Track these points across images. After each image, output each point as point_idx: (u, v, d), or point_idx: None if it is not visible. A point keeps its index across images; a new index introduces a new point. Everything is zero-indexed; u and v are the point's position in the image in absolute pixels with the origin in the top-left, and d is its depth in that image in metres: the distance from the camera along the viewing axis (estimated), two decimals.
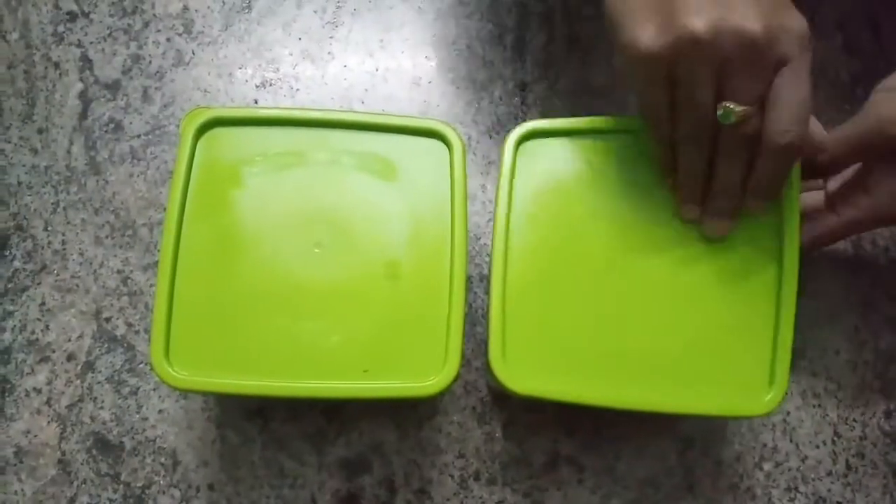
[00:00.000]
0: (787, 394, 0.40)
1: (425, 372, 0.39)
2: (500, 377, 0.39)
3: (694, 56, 0.35)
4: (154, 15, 0.55)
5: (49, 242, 0.50)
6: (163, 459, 0.47)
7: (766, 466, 0.48)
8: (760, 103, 0.36)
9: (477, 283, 0.49)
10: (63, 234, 0.50)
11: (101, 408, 0.48)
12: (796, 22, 0.35)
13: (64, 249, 0.50)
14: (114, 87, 0.53)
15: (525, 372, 0.40)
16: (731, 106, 0.35)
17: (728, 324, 0.41)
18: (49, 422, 0.47)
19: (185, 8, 0.55)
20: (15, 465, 0.47)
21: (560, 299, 0.41)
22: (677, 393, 0.40)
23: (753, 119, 0.36)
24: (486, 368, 0.49)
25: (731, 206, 0.40)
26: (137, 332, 0.49)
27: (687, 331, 0.40)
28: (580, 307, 0.41)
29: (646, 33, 0.35)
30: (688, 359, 0.40)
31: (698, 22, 0.34)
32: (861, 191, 0.42)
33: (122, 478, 0.47)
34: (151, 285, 0.49)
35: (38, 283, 0.50)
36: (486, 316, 0.49)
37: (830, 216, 0.43)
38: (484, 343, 0.49)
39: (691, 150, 0.39)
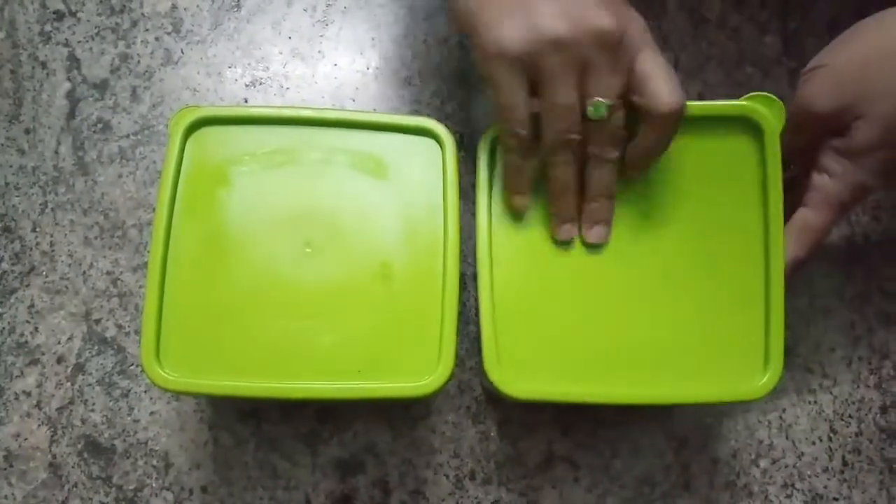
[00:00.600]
0: (782, 376, 0.39)
1: (419, 372, 0.39)
2: (498, 384, 0.39)
3: (557, 57, 0.36)
4: (142, 14, 0.55)
5: (37, 244, 0.50)
6: (155, 462, 0.46)
7: (763, 463, 0.48)
8: (622, 99, 0.38)
9: (470, 282, 0.49)
10: (51, 236, 0.50)
11: (92, 410, 0.47)
12: (637, 16, 0.38)
13: (52, 251, 0.50)
14: (102, 87, 0.53)
15: (521, 376, 0.39)
16: (602, 100, 0.37)
17: (718, 310, 0.41)
18: (39, 425, 0.47)
19: (174, 6, 0.55)
20: (5, 469, 0.46)
21: (549, 298, 0.41)
22: (673, 383, 0.40)
23: (620, 112, 0.38)
24: (481, 370, 0.48)
25: (610, 209, 0.41)
26: (128, 334, 0.48)
27: (678, 320, 0.41)
28: (570, 305, 0.41)
29: (508, 34, 0.36)
30: (681, 348, 0.40)
31: (559, 23, 0.35)
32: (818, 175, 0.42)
33: (114, 481, 0.46)
34: (141, 286, 0.49)
35: (27, 285, 0.49)
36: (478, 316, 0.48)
37: (808, 215, 0.42)
38: (478, 342, 0.48)
39: (562, 160, 0.39)
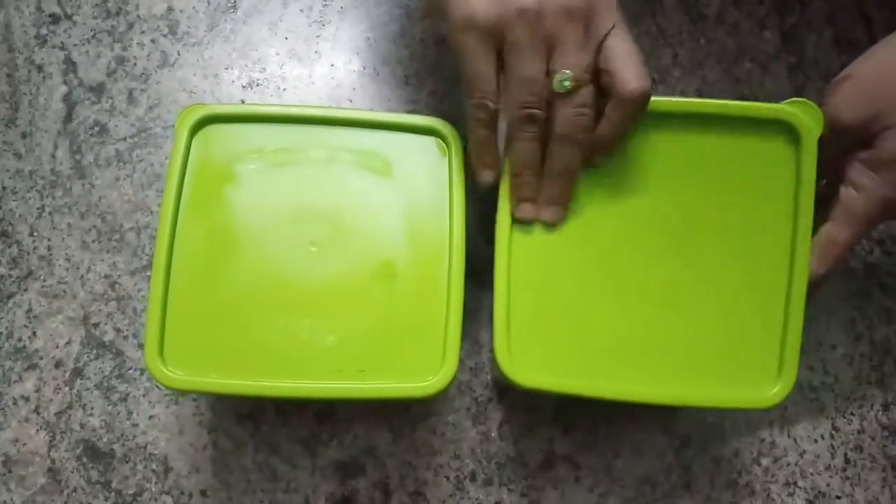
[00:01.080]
0: (795, 385, 0.39)
1: (423, 372, 0.39)
2: (506, 370, 0.39)
3: (523, 27, 0.36)
4: (138, 16, 0.54)
5: (35, 248, 0.50)
6: (154, 466, 0.46)
7: (765, 462, 0.47)
8: (590, 74, 0.37)
9: (472, 282, 0.49)
10: (49, 240, 0.50)
11: (91, 415, 0.47)
12: None
13: (50, 255, 0.49)
14: (98, 90, 0.53)
15: (531, 365, 0.39)
16: (567, 73, 0.37)
17: (736, 315, 0.40)
18: (38, 430, 0.47)
19: (170, 9, 0.55)
20: (4, 474, 0.46)
21: (565, 292, 0.40)
22: (684, 385, 0.40)
23: (586, 88, 0.37)
24: (491, 360, 0.48)
25: (568, 191, 0.41)
26: (126, 338, 0.48)
27: (695, 322, 0.40)
28: (587, 298, 0.40)
29: (477, 5, 0.36)
30: (695, 351, 0.40)
31: None
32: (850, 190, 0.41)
33: (113, 485, 0.46)
34: (140, 290, 0.49)
35: (25, 290, 0.49)
36: (482, 313, 0.48)
37: (832, 229, 0.42)
38: (478, 342, 0.48)
39: (526, 134, 0.39)
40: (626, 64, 0.37)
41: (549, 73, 0.37)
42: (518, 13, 0.36)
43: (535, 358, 0.39)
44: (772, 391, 0.39)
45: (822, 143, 0.41)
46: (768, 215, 0.41)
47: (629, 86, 0.36)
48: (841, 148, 0.41)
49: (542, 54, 0.37)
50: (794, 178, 0.41)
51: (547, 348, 0.40)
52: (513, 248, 0.41)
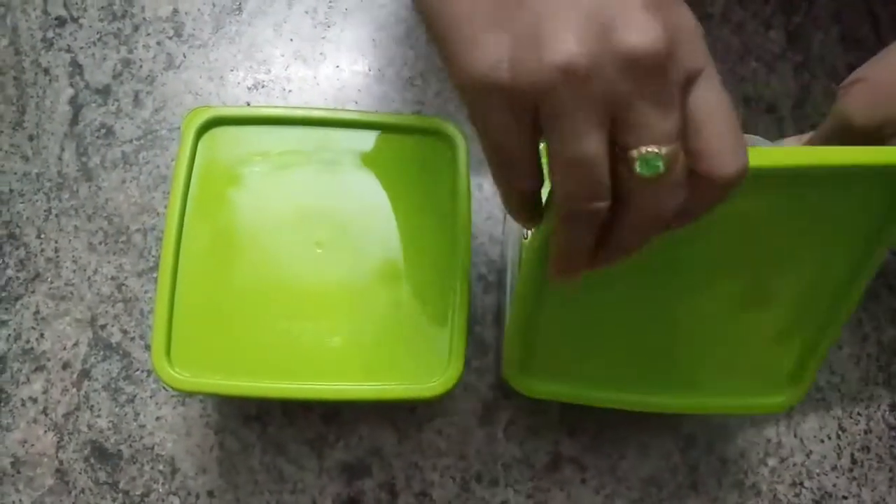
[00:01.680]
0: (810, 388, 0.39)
1: (429, 373, 0.39)
2: (514, 384, 0.39)
3: (568, 90, 0.23)
4: (144, 18, 0.55)
5: (42, 250, 0.50)
6: (161, 467, 0.46)
7: (771, 462, 0.47)
8: (680, 136, 0.25)
9: (475, 283, 0.49)
10: (56, 242, 0.50)
11: (98, 416, 0.47)
12: (687, 17, 0.25)
13: (57, 257, 0.50)
14: (104, 92, 0.53)
15: (546, 375, 0.39)
16: (655, 150, 0.24)
17: (750, 321, 0.39)
18: (46, 431, 0.47)
19: (175, 11, 0.55)
20: (12, 475, 0.46)
21: (580, 302, 0.40)
22: (696, 393, 0.39)
23: (679, 164, 0.24)
24: (497, 363, 0.48)
25: (644, 240, 0.27)
26: (133, 339, 0.48)
27: (707, 329, 0.39)
28: (599, 309, 0.39)
29: (493, 55, 0.24)
30: (706, 360, 0.39)
31: (570, 40, 0.22)
32: None
33: (121, 486, 0.46)
34: (146, 291, 0.49)
35: (32, 292, 0.49)
36: (487, 314, 0.48)
37: None
38: (484, 343, 0.48)
39: (579, 231, 0.27)
40: (720, 133, 0.25)
41: (617, 148, 0.24)
42: (564, 78, 0.23)
43: (550, 369, 0.39)
44: (783, 397, 0.39)
45: (828, 143, 0.41)
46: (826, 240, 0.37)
47: (725, 170, 0.25)
48: None
49: (601, 121, 0.24)
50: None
51: (564, 360, 0.39)
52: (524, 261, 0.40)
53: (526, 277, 0.34)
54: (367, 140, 0.42)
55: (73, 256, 0.50)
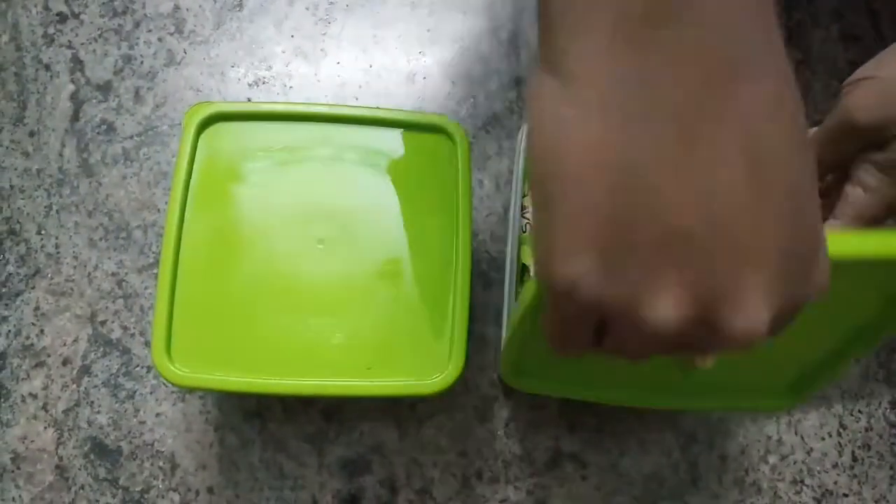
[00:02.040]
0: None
1: (429, 369, 0.39)
2: (515, 385, 0.39)
3: (651, 341, 0.22)
4: (145, 15, 0.55)
5: (42, 246, 0.50)
6: (161, 463, 0.46)
7: (772, 459, 0.47)
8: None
9: (476, 279, 0.49)
10: (56, 238, 0.50)
11: (98, 412, 0.47)
12: (821, 276, 0.23)
13: (58, 253, 0.50)
14: (105, 88, 0.53)
15: (545, 377, 0.39)
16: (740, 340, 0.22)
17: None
18: (46, 427, 0.47)
19: (177, 7, 0.55)
20: (12, 471, 0.46)
21: None
22: (697, 398, 0.39)
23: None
24: (497, 360, 0.48)
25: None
26: (133, 336, 0.48)
27: None
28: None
29: (584, 272, 0.21)
30: (705, 373, 0.39)
31: (667, 312, 0.21)
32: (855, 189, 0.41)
33: (121, 482, 0.46)
34: (147, 288, 0.49)
35: (32, 288, 0.49)
36: (488, 311, 0.48)
37: (836, 227, 0.41)
38: (484, 340, 0.48)
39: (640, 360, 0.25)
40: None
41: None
42: (651, 329, 0.21)
43: (539, 375, 0.39)
44: (785, 401, 0.39)
45: (830, 140, 0.40)
46: None
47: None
48: (852, 148, 0.41)
49: (665, 351, 0.23)
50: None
51: (554, 368, 0.39)
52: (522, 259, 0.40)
53: (522, 314, 0.32)
54: (367, 136, 0.42)
55: (74, 252, 0.50)
